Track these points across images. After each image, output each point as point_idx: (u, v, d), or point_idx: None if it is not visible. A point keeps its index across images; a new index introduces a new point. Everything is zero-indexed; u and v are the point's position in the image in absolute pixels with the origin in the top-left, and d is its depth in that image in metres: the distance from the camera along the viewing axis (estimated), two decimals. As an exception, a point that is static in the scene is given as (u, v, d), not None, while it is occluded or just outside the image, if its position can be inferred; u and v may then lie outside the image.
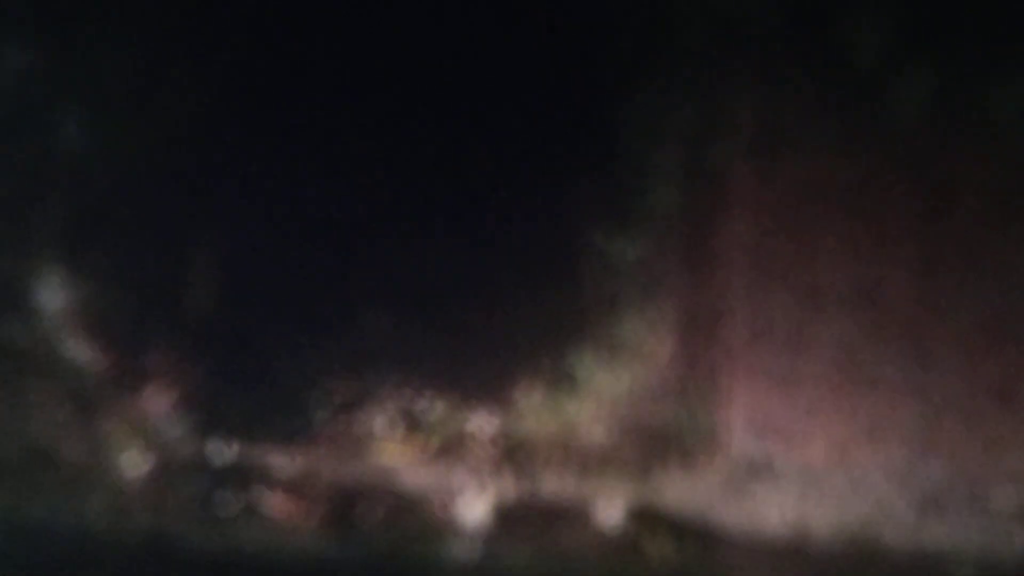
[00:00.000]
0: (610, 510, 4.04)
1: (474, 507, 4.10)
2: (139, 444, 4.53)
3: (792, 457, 3.94)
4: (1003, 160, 3.63)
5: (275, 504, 4.24)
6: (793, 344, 3.88)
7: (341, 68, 5.82)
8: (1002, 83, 3.37)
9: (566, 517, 4.10)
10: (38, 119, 4.82)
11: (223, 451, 4.52)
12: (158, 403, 4.68)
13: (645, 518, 4.00)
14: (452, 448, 4.48)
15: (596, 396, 4.41)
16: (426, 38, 5.88)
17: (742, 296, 3.94)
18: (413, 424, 4.70)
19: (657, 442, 4.19)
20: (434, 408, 4.84)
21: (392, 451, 4.49)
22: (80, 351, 4.85)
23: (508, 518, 4.09)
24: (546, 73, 5.22)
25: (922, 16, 3.33)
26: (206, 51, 5.05)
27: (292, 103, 5.53)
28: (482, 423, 4.66)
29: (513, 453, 4.38)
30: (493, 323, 5.62)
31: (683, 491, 4.07)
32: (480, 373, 5.22)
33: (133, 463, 4.44)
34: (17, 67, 4.73)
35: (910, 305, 3.77)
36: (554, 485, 4.21)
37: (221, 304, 5.27)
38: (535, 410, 4.67)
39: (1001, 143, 3.61)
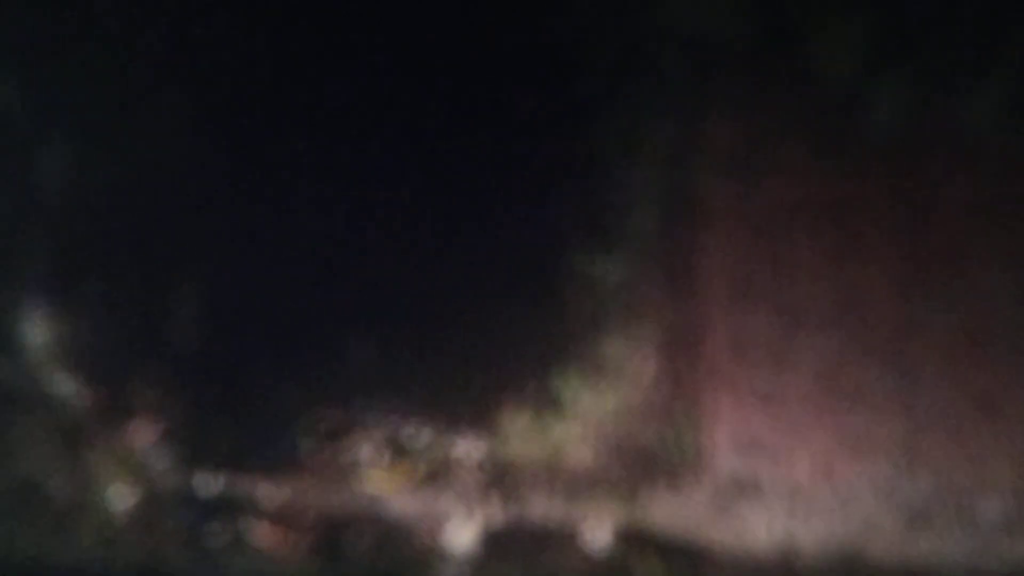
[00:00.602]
0: (598, 532, 4.02)
1: (462, 533, 4.09)
2: (127, 477, 4.53)
3: (778, 474, 3.94)
4: (979, 172, 3.65)
5: (263, 534, 4.23)
6: (775, 362, 3.89)
7: (321, 105, 5.86)
8: (974, 95, 3.37)
9: (554, 540, 4.09)
10: (21, 156, 4.84)
11: (210, 483, 4.52)
12: (144, 436, 4.69)
13: (633, 539, 3.99)
14: (439, 474, 4.48)
15: (581, 418, 4.41)
16: (410, 69, 5.93)
17: (723, 315, 3.95)
18: (399, 451, 4.70)
19: (643, 462, 4.20)
20: (420, 435, 4.85)
21: (379, 479, 4.49)
22: (67, 386, 4.85)
23: (496, 543, 4.07)
24: (526, 98, 5.25)
25: (892, 33, 3.35)
26: (189, 88, 5.08)
27: (275, 137, 5.56)
28: (468, 448, 4.67)
29: (500, 478, 4.38)
30: (478, 348, 5.64)
31: (670, 510, 4.07)
32: (466, 399, 5.22)
33: (121, 496, 4.43)
34: None
35: (891, 320, 3.78)
36: (542, 508, 4.21)
37: (205, 337, 5.28)
38: (521, 434, 4.68)
39: (976, 155, 3.62)
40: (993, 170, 3.63)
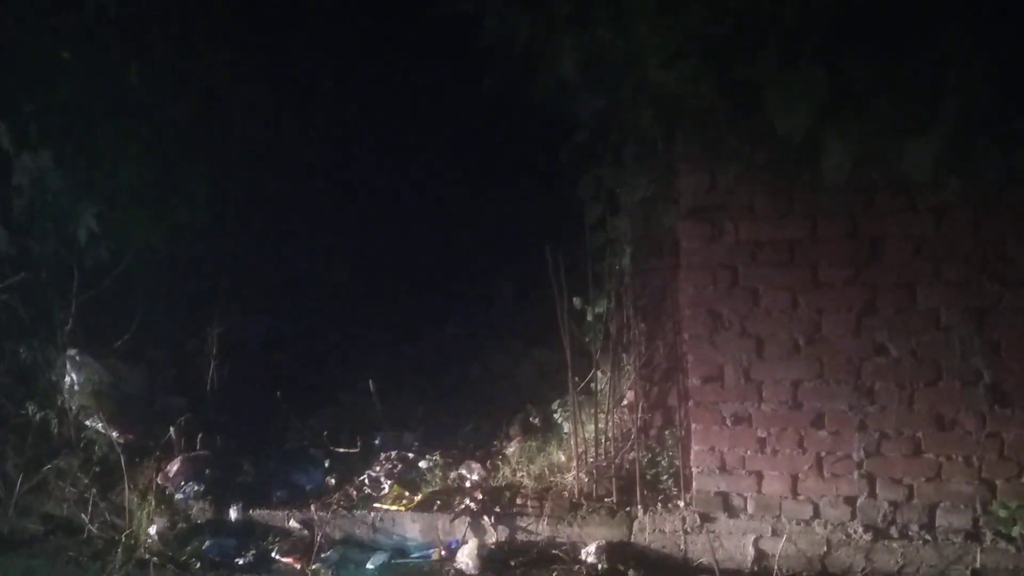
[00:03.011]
0: (589, 548, 4.19)
1: (467, 552, 4.24)
2: (157, 510, 4.70)
3: (750, 492, 4.09)
4: (921, 211, 3.80)
5: (284, 559, 4.41)
6: (742, 387, 4.04)
7: (336, 163, 6.13)
8: (914, 142, 3.50)
9: (549, 558, 4.25)
10: (56, 216, 5.03)
11: (235, 513, 4.71)
12: (174, 472, 4.86)
13: (620, 555, 4.14)
14: (445, 498, 4.64)
15: (572, 444, 4.58)
16: (418, 138, 6.18)
17: (696, 346, 4.10)
18: (408, 481, 4.85)
19: (628, 483, 4.36)
20: (428, 463, 5.01)
21: (390, 504, 4.67)
22: (103, 427, 5.02)
23: (495, 561, 4.23)
24: (518, 162, 5.50)
25: (841, 92, 3.46)
26: (210, 153, 5.27)
27: (291, 195, 5.82)
28: (472, 474, 4.82)
29: (499, 501, 4.53)
30: (483, 385, 5.85)
31: (653, 527, 4.23)
32: (471, 431, 5.42)
33: (152, 527, 4.63)
34: (34, 169, 4.94)
35: (849, 347, 3.92)
36: (536, 528, 4.37)
37: (232, 379, 5.48)
38: (519, 459, 4.84)
39: (919, 195, 3.77)
40: (933, 208, 3.78)
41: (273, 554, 4.46)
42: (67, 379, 5.09)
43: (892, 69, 3.43)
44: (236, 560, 4.43)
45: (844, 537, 3.99)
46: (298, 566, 4.34)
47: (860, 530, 3.98)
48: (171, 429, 4.96)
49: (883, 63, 3.42)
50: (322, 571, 4.27)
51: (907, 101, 3.46)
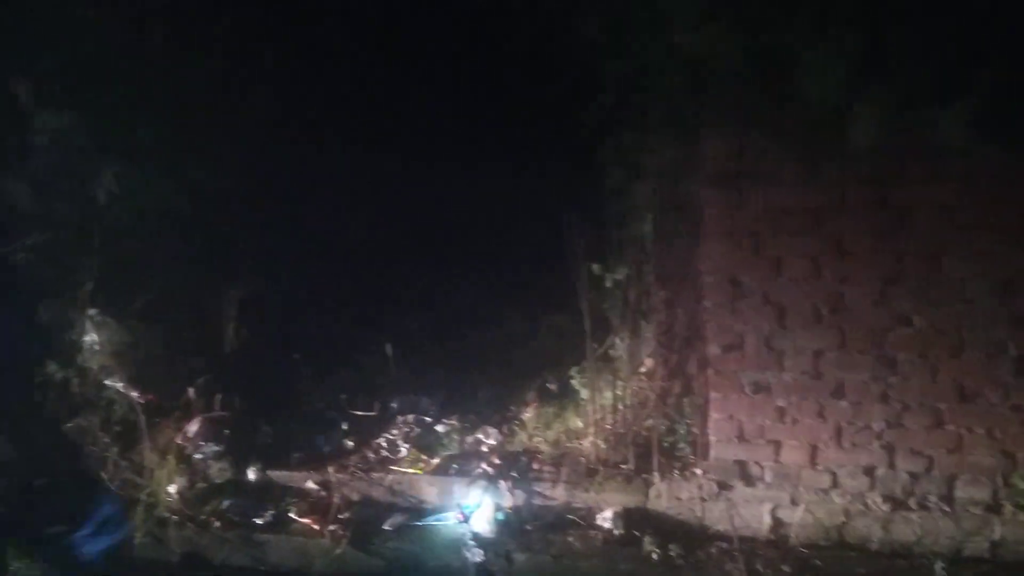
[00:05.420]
0: (605, 513, 4.15)
1: (483, 516, 4.20)
2: (177, 469, 4.67)
3: (767, 460, 4.03)
4: (952, 178, 3.67)
5: (302, 519, 4.37)
6: (765, 356, 3.95)
7: (358, 125, 6.01)
8: (946, 108, 3.40)
9: (565, 522, 4.21)
10: (77, 175, 4.96)
11: (254, 473, 4.69)
12: (194, 432, 4.83)
13: (636, 521, 4.10)
14: (462, 463, 4.60)
15: (590, 410, 4.52)
16: (442, 106, 6.06)
17: (717, 314, 4.00)
18: (426, 444, 4.82)
19: (645, 450, 4.30)
20: (445, 428, 4.98)
21: (407, 467, 4.63)
22: (122, 388, 4.98)
23: (512, 525, 4.20)
24: (539, 127, 5.38)
25: (874, 55, 3.36)
26: (231, 114, 5.18)
27: (311, 158, 5.71)
28: (488, 439, 4.79)
29: (516, 466, 4.49)
30: (501, 350, 5.78)
31: (670, 495, 4.17)
32: (488, 396, 5.37)
33: (172, 486, 4.60)
34: (54, 127, 4.84)
35: (872, 316, 3.83)
36: (553, 493, 4.32)
37: (250, 341, 5.44)
38: (536, 425, 4.79)
39: (949, 163, 3.65)
40: (964, 177, 3.65)
41: (291, 514, 4.43)
42: (87, 339, 5.05)
43: (925, 35, 3.32)
44: (255, 520, 4.40)
45: (862, 507, 3.92)
46: (316, 527, 4.31)
47: (879, 500, 3.90)
48: (190, 390, 4.93)
49: (916, 28, 3.31)
50: (340, 532, 4.23)
51: (940, 67, 3.36)
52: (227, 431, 4.86)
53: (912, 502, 3.89)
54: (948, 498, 3.85)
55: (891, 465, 3.89)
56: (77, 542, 4.03)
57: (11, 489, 4.21)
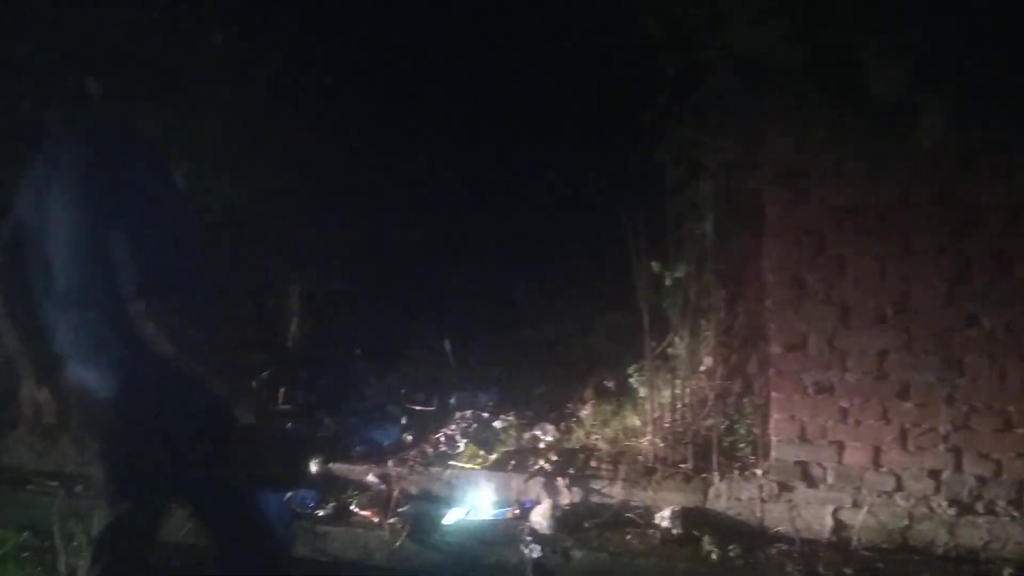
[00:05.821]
0: (663, 513, 4.12)
1: (541, 512, 4.21)
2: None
3: (830, 462, 3.96)
4: (1020, 176, 3.59)
5: (362, 512, 4.43)
6: (828, 357, 3.89)
7: (421, 122, 6.05)
8: (1012, 107, 3.33)
9: (623, 521, 4.20)
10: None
11: (316, 465, 4.75)
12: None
13: (695, 521, 4.07)
14: (519, 459, 4.61)
15: (648, 408, 4.49)
16: (502, 104, 6.07)
17: (779, 313, 3.95)
18: (482, 438, 4.85)
19: (704, 450, 4.26)
20: (503, 424, 5.00)
21: (465, 462, 4.66)
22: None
23: (569, 522, 4.19)
24: (600, 123, 5.36)
25: (938, 51, 3.30)
26: (292, 115, 5.25)
27: (370, 157, 5.78)
28: (546, 435, 4.80)
29: (574, 464, 4.48)
30: (558, 347, 5.79)
31: (730, 495, 4.13)
32: (546, 393, 5.38)
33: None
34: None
35: (938, 317, 3.75)
36: (611, 492, 4.32)
37: (312, 337, 5.53)
38: (593, 422, 4.79)
39: (1017, 160, 3.57)
40: None
41: (352, 507, 4.49)
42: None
43: (993, 27, 3.24)
44: (316, 512, 4.47)
45: (927, 511, 3.84)
46: (376, 519, 4.36)
47: (944, 504, 3.82)
48: (253, 384, 5.01)
49: (982, 21, 3.24)
50: (399, 525, 4.28)
51: (1008, 62, 3.28)
52: (290, 424, 4.95)
53: (979, 506, 3.79)
54: (1017, 503, 3.75)
55: (958, 468, 3.80)
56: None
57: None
